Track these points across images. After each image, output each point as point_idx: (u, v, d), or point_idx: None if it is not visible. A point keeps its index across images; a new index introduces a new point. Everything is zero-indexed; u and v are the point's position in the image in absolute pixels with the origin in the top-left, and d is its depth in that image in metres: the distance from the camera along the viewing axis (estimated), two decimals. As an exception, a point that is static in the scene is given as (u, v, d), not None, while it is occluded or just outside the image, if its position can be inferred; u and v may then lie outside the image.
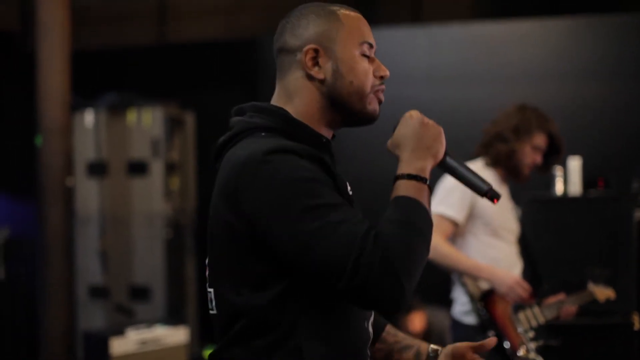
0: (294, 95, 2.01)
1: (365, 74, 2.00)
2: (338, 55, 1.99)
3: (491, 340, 2.01)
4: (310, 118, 2.00)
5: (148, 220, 7.54)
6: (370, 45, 2.04)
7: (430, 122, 1.97)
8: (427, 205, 1.88)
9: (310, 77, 1.99)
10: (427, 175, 1.90)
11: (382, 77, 2.04)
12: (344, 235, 1.76)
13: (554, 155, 4.32)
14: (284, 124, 1.97)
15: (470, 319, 4.12)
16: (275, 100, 2.04)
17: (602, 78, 6.75)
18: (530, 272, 4.32)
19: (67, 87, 6.56)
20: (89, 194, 7.61)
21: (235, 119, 2.03)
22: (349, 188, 2.03)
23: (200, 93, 8.41)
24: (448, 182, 4.16)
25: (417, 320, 6.27)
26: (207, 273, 2.02)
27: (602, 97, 6.71)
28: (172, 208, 7.65)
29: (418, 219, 1.83)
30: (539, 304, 4.17)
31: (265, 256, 1.85)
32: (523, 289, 4.02)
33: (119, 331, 6.00)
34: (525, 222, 4.64)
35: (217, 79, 8.45)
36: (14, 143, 8.41)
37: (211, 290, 1.99)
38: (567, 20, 7.08)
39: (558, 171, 5.33)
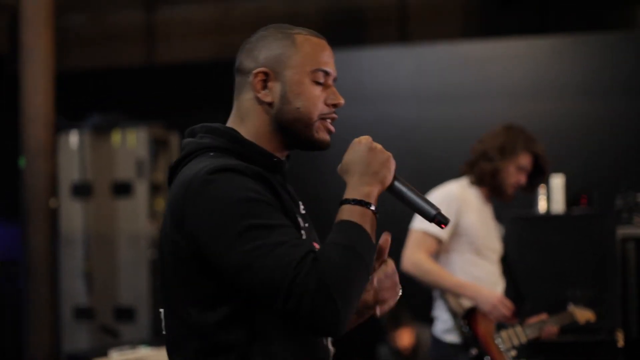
0: (245, 117, 2.02)
1: (313, 101, 1.99)
2: (287, 80, 1.99)
3: None
4: (260, 139, 2.00)
5: (133, 241, 7.53)
6: (326, 73, 2.02)
7: (379, 147, 1.95)
8: (370, 231, 1.86)
9: (259, 100, 2.00)
10: (372, 200, 1.89)
11: (334, 105, 2.02)
12: (280, 256, 1.75)
13: (539, 176, 4.32)
14: (234, 143, 1.98)
15: (451, 337, 4.12)
16: (230, 121, 2.06)
17: (585, 96, 6.77)
18: (513, 291, 4.32)
19: (52, 108, 6.55)
20: (73, 215, 7.59)
21: (186, 140, 2.05)
22: (301, 207, 2.04)
23: (185, 114, 8.40)
24: (433, 199, 4.15)
25: (405, 336, 6.26)
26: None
27: (585, 114, 6.73)
28: (157, 229, 7.62)
29: (358, 244, 1.81)
30: (521, 323, 4.17)
31: (211, 276, 1.85)
32: (506, 308, 4.02)
33: (102, 352, 5.95)
34: (509, 240, 4.64)
35: (202, 99, 8.45)
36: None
37: (162, 310, 1.99)
38: (553, 39, 7.11)
39: (541, 189, 5.33)
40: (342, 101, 2.02)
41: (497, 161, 4.18)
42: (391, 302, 2.03)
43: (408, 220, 4.15)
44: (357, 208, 1.87)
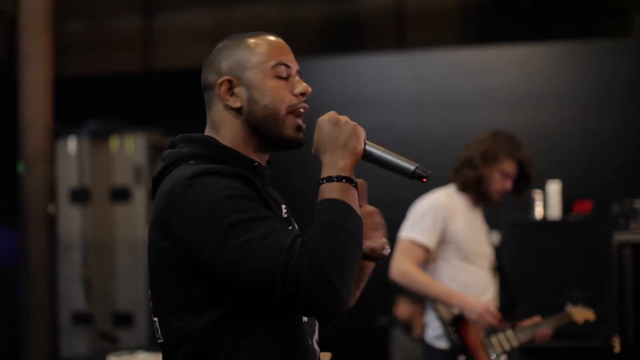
0: (219, 127, 2.05)
1: (279, 94, 2.02)
2: (250, 81, 2.02)
3: None
4: (237, 146, 2.03)
5: (131, 247, 7.53)
6: (287, 66, 2.04)
7: (343, 119, 1.97)
8: (353, 203, 1.88)
9: (228, 107, 2.03)
10: (349, 173, 1.91)
11: (302, 94, 2.04)
12: (270, 246, 1.77)
13: (525, 182, 4.30)
14: (213, 151, 2.01)
15: (442, 344, 4.13)
16: (205, 133, 2.08)
17: (581, 103, 6.80)
18: (505, 296, 4.32)
19: (50, 114, 6.57)
20: (72, 221, 7.60)
21: (167, 151, 2.07)
22: (284, 210, 2.06)
23: (183, 120, 8.40)
24: (420, 208, 4.18)
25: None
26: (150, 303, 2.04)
27: (582, 121, 6.75)
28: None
29: (343, 219, 1.83)
30: (513, 327, 4.17)
31: (201, 279, 1.87)
32: (492, 317, 4.02)
33: (100, 358, 5.96)
34: (505, 246, 4.65)
35: (200, 106, 8.42)
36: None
37: (156, 319, 2.00)
38: (549, 46, 7.13)
39: (537, 195, 5.34)
40: (309, 89, 2.04)
41: (481, 168, 4.17)
42: (379, 241, 2.05)
43: (401, 221, 4.17)
44: (335, 184, 1.89)
